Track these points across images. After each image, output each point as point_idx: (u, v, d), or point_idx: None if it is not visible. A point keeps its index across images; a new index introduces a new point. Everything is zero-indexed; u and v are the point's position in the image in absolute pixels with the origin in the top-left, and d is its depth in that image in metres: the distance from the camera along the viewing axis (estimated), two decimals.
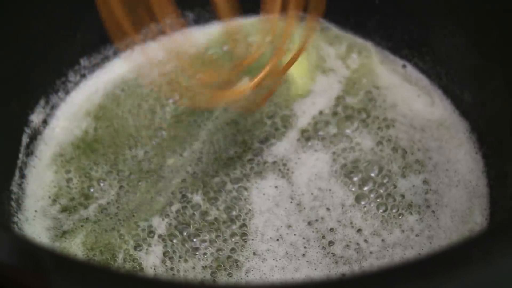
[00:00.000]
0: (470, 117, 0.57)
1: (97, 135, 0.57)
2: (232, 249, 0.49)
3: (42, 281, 0.31)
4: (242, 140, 0.56)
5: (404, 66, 0.61)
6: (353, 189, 0.53)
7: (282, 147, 0.55)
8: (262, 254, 0.49)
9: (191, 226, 0.51)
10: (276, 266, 0.49)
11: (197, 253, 0.49)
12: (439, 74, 0.59)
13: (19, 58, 0.54)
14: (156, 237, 0.50)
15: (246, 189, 0.53)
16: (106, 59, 0.62)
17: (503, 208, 0.49)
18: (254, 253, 0.49)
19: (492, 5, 0.52)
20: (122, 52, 0.63)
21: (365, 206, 0.52)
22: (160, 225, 0.51)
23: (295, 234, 0.50)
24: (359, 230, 0.50)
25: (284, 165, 0.54)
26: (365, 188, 0.53)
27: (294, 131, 0.57)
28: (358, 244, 0.50)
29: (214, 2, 0.52)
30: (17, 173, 0.54)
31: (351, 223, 0.51)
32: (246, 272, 0.48)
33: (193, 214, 0.51)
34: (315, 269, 0.48)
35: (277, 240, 0.50)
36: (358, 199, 0.52)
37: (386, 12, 0.61)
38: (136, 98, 0.59)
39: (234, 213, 0.51)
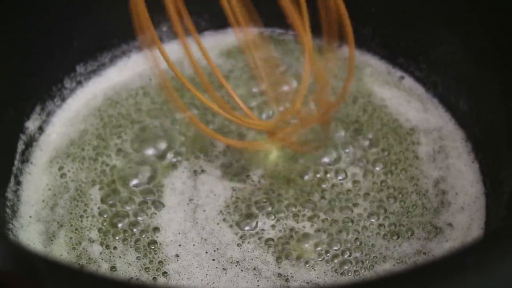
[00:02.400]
0: (465, 125, 0.57)
1: (92, 141, 0.57)
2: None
3: (37, 287, 0.31)
4: None
5: (402, 77, 0.61)
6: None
7: None
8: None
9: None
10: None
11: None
12: (435, 82, 0.59)
13: (15, 65, 0.54)
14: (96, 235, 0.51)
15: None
16: (102, 66, 0.62)
17: (498, 216, 0.49)
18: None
19: (487, 14, 0.52)
20: (118, 59, 0.63)
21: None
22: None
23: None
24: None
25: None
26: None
27: None
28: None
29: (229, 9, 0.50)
30: (12, 180, 0.54)
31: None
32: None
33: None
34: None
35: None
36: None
37: (382, 20, 0.61)
38: (132, 105, 0.59)
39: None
